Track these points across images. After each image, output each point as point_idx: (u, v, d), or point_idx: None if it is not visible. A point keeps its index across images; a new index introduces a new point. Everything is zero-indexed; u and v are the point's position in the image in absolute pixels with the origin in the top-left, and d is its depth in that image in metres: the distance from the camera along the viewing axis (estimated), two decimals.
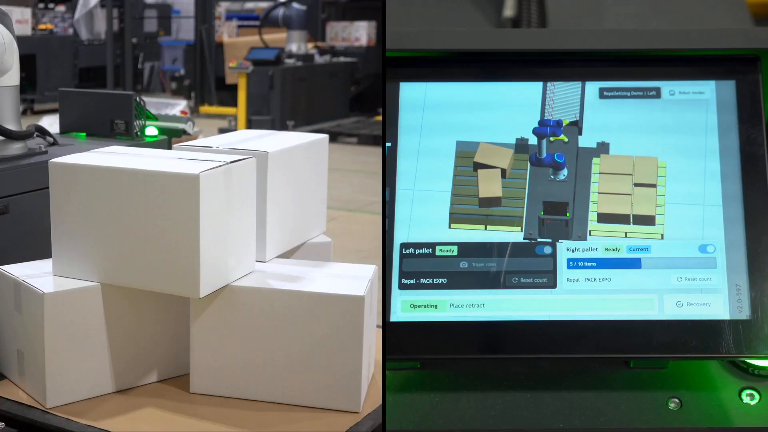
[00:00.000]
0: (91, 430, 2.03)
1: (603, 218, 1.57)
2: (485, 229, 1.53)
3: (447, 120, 1.73)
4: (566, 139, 1.58)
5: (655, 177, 1.57)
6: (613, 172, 1.54)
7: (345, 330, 2.10)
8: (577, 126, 1.55)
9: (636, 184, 1.55)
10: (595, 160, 1.60)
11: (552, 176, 1.60)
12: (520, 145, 1.56)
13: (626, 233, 1.53)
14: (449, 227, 1.51)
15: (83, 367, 2.15)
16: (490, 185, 1.47)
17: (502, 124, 1.49)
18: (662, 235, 1.57)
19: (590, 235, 1.53)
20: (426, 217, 1.70)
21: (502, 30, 2.44)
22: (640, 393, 1.87)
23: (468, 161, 1.51)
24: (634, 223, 1.52)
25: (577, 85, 1.69)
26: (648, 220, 1.55)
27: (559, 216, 1.53)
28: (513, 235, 1.50)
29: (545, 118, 1.54)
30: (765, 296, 1.77)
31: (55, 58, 12.78)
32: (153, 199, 2.06)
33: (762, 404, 1.88)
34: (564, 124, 1.55)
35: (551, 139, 1.55)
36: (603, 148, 1.56)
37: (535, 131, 1.55)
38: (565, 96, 1.54)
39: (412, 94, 1.88)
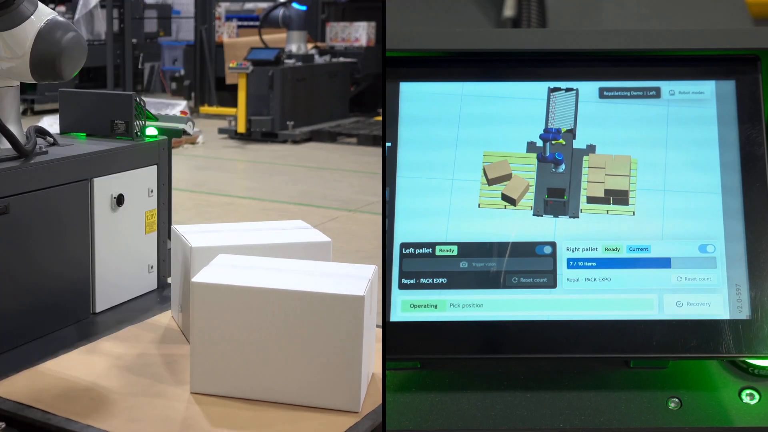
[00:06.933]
0: (91, 430, 2.03)
1: (590, 200, 1.86)
2: (505, 208, 1.84)
3: (467, 130, 1.91)
4: (564, 143, 1.89)
5: (628, 170, 1.87)
6: (598, 167, 1.88)
7: (345, 330, 2.10)
8: (572, 133, 1.89)
9: (613, 175, 1.88)
10: (585, 158, 1.88)
11: (554, 169, 1.88)
12: (530, 147, 1.88)
13: (607, 211, 1.84)
14: (479, 207, 1.85)
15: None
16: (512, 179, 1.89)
17: (516, 131, 1.89)
18: (633, 212, 1.84)
19: (581, 212, 1.84)
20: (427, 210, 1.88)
21: (502, 30, 2.44)
22: (639, 393, 1.87)
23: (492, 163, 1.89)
24: (612, 204, 1.85)
25: (572, 100, 1.90)
26: (622, 202, 1.85)
27: (559, 198, 1.85)
28: (525, 212, 1.84)
29: (548, 126, 1.89)
30: (765, 296, 1.77)
31: None
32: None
33: (762, 404, 1.88)
34: (562, 131, 1.89)
35: (553, 142, 1.89)
36: (591, 149, 1.88)
37: (541, 137, 1.88)
38: (563, 109, 1.90)
39: (415, 93, 1.89)
